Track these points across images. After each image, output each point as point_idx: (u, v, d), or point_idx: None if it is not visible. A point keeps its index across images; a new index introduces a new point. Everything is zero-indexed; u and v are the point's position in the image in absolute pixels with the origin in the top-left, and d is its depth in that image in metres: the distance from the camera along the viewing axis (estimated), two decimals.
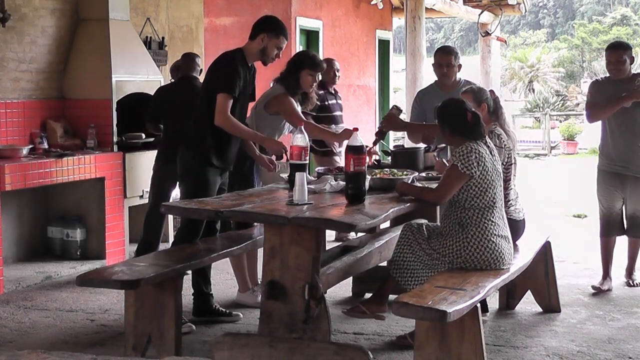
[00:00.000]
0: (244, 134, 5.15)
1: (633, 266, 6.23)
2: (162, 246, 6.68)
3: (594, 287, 6.01)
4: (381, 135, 5.44)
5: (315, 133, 5.69)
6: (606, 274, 6.13)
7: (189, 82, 6.42)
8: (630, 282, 6.17)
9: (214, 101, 5.00)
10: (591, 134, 15.23)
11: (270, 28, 5.09)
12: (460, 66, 6.19)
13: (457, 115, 4.53)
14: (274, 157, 5.46)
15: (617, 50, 6.04)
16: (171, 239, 6.65)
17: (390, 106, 7.23)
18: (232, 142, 5.18)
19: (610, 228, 6.16)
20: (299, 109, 5.57)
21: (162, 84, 7.31)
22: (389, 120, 5.50)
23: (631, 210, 6.09)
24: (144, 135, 7.36)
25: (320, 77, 5.82)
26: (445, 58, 6.09)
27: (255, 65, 5.27)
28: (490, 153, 4.52)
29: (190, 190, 5.07)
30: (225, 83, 4.97)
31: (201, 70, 6.67)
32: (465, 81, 6.14)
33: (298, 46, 11.86)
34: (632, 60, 6.04)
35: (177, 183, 6.29)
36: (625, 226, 6.17)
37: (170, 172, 6.16)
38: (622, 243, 6.23)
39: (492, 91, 5.35)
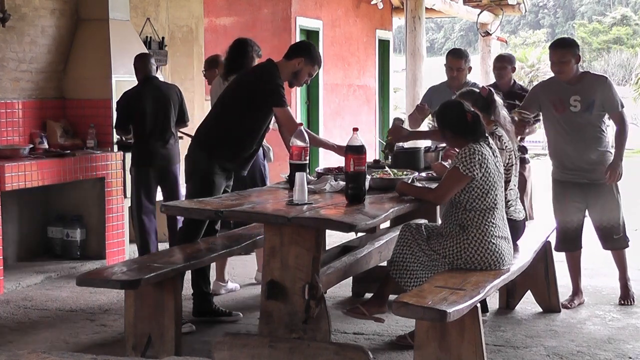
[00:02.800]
0: (315, 143, 5.29)
1: (624, 276, 5.79)
2: (162, 246, 6.70)
3: (563, 305, 5.63)
4: (390, 148, 5.47)
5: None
6: (576, 289, 5.78)
7: (153, 82, 6.56)
8: (623, 301, 5.74)
9: (252, 110, 5.07)
10: None
11: (309, 55, 5.16)
12: (470, 68, 6.41)
13: (457, 118, 4.51)
14: None
15: (560, 50, 5.57)
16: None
17: (391, 120, 7.28)
18: (248, 149, 5.23)
19: (566, 242, 5.77)
20: None
21: (126, 90, 7.10)
22: (394, 132, 5.50)
23: (597, 221, 5.69)
24: None
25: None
26: (456, 62, 6.30)
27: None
28: (493, 154, 4.51)
29: (196, 190, 5.08)
30: (281, 97, 5.04)
31: (157, 68, 6.77)
32: (473, 83, 6.28)
33: None
34: (577, 59, 5.56)
35: (160, 183, 6.45)
36: (599, 240, 5.76)
37: (148, 173, 6.42)
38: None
39: (483, 88, 5.21)
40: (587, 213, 5.77)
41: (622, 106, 5.64)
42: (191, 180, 5.21)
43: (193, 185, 5.17)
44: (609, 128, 5.77)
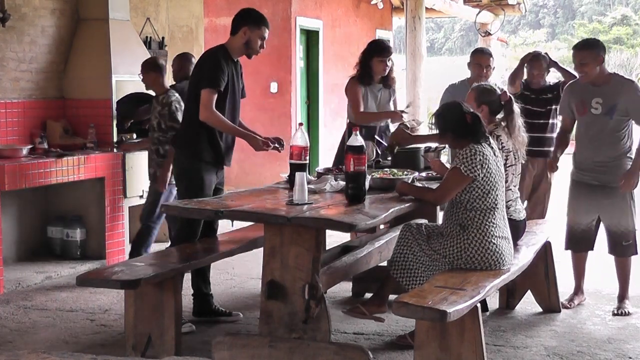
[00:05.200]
0: (226, 129, 5.12)
1: (625, 291, 5.63)
2: (162, 246, 6.69)
3: (563, 305, 5.59)
4: (391, 151, 5.49)
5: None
6: (577, 289, 5.75)
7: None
8: (616, 310, 5.52)
9: (199, 99, 5.01)
10: None
11: (251, 20, 5.07)
12: (494, 68, 6.66)
13: (457, 120, 4.51)
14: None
15: (580, 52, 5.47)
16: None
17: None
18: (225, 138, 5.18)
19: (574, 242, 5.71)
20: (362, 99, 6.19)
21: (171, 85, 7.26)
22: (397, 135, 5.51)
23: (608, 224, 5.58)
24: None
25: (391, 62, 6.23)
26: (486, 60, 6.59)
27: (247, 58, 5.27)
28: (494, 154, 4.51)
29: (186, 190, 5.08)
30: (209, 78, 4.97)
31: None
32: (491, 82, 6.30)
33: (298, 46, 11.87)
34: (600, 60, 5.43)
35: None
36: (607, 244, 5.64)
37: None
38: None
39: (504, 92, 5.13)
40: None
41: None
42: (180, 181, 5.22)
43: (182, 185, 5.17)
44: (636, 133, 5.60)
